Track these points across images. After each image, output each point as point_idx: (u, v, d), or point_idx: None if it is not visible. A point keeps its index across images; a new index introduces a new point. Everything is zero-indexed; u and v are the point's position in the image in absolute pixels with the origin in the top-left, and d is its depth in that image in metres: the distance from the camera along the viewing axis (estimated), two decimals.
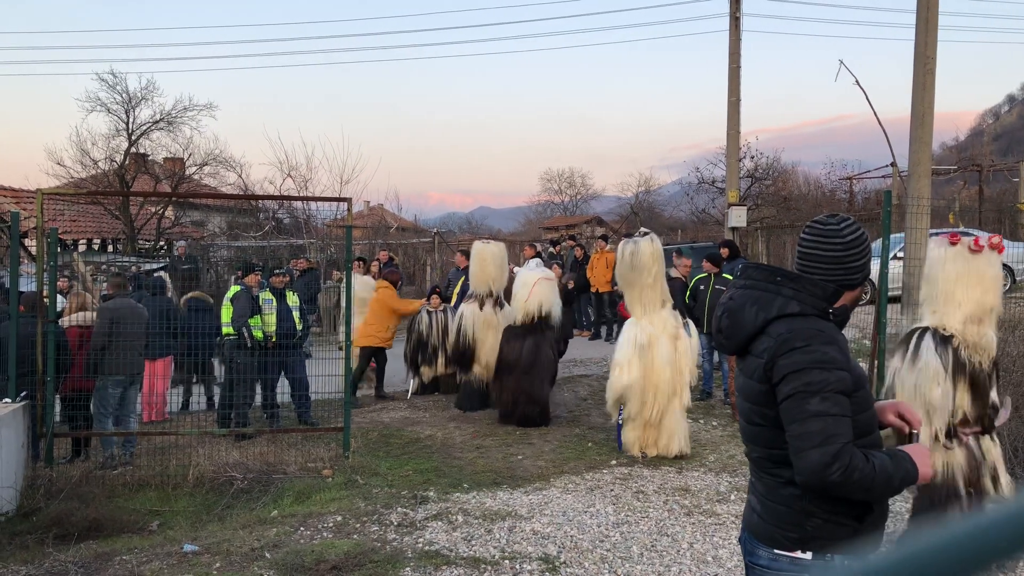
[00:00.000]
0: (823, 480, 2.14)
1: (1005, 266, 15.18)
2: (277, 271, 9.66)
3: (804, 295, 2.30)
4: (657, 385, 7.44)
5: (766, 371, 2.28)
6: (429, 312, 10.70)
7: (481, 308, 9.74)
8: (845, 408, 2.18)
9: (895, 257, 11.44)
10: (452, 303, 11.28)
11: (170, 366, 9.93)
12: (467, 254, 11.11)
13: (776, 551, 2.33)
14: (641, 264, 7.52)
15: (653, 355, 7.45)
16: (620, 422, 7.65)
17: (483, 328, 9.68)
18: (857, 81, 18.82)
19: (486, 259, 9.81)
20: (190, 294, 10.53)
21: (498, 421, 9.09)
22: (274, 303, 9.15)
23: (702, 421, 8.98)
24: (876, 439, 2.37)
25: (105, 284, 8.73)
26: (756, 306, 2.33)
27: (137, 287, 9.64)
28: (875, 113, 18.42)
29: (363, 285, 11.29)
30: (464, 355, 9.73)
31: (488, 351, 9.65)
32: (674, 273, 10.09)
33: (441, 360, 10.63)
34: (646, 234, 7.88)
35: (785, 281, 2.33)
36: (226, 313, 8.89)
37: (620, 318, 11.06)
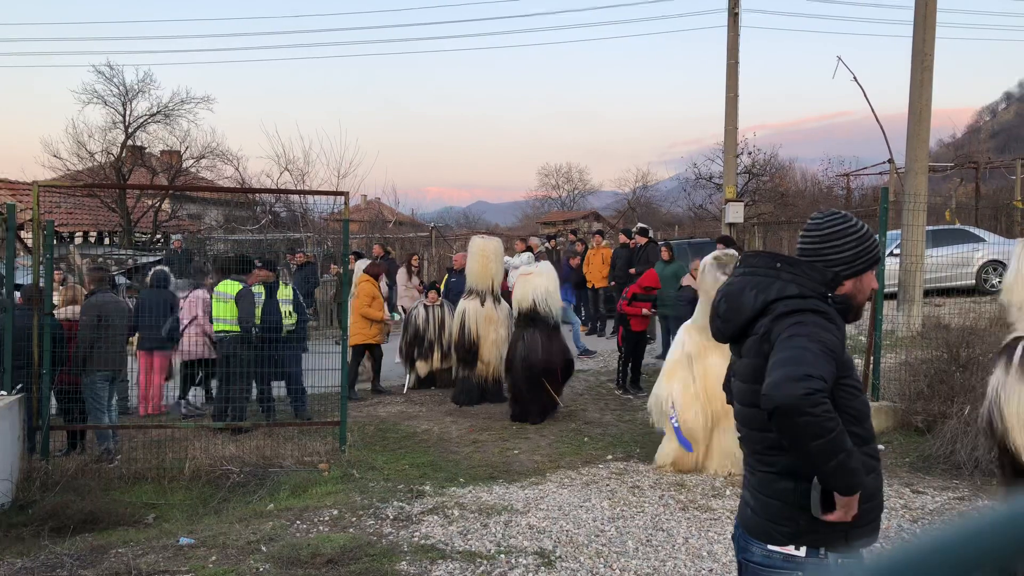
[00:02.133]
0: (785, 394, 2.09)
1: (1001, 264, 15.20)
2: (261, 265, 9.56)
3: (803, 279, 2.36)
4: (709, 399, 6.67)
5: (762, 344, 2.33)
6: (426, 307, 10.67)
7: (483, 304, 9.67)
8: (829, 358, 2.18)
9: (891, 254, 11.46)
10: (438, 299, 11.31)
11: (167, 360, 9.88)
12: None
13: (770, 547, 2.34)
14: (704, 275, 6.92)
15: (705, 367, 6.73)
16: (677, 424, 6.96)
17: (485, 324, 9.62)
18: (855, 78, 18.81)
19: (486, 254, 9.72)
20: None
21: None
22: (263, 297, 9.10)
23: None
24: (870, 430, 2.38)
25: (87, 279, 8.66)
26: (756, 290, 2.38)
27: (114, 283, 9.57)
28: (872, 110, 18.43)
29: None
30: (468, 351, 9.65)
31: (490, 347, 9.59)
32: (687, 281, 9.77)
33: (437, 355, 10.58)
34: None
35: (785, 266, 2.39)
36: (225, 310, 8.78)
37: (617, 315, 10.90)
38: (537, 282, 8.85)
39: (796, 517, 2.29)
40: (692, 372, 6.79)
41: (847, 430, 2.29)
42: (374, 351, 10.74)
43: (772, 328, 2.30)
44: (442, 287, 11.56)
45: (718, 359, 6.62)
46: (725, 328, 2.51)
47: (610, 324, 14.38)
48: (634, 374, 10.22)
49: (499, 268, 9.86)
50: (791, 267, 2.39)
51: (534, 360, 8.67)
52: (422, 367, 10.70)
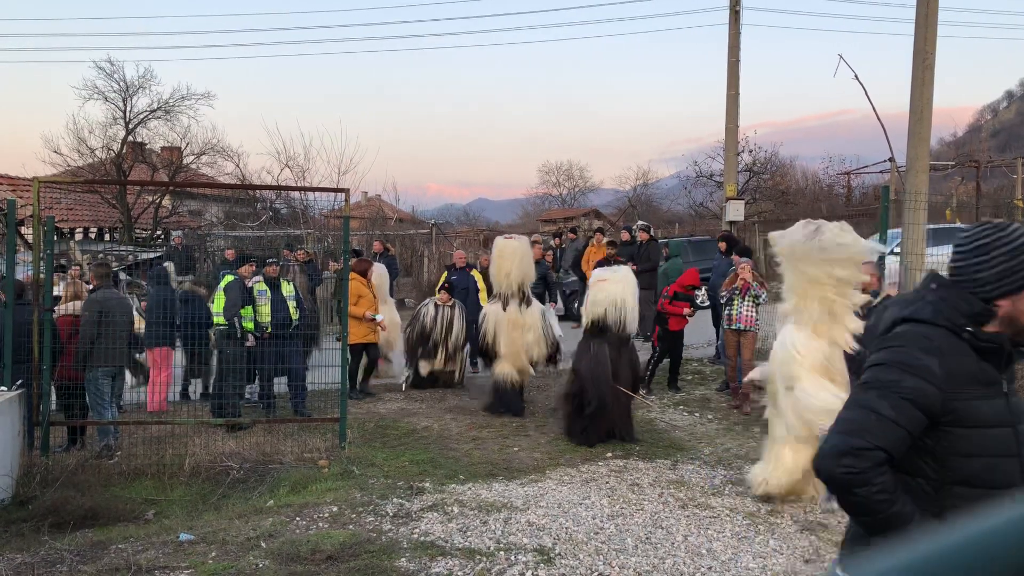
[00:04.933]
0: (828, 470, 1.97)
1: None
2: (270, 261, 9.56)
3: (944, 305, 2.08)
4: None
5: (863, 366, 2.16)
6: (436, 306, 10.45)
7: (505, 308, 9.06)
8: (905, 418, 1.96)
9: (892, 252, 11.45)
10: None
11: (169, 355, 9.86)
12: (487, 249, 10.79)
13: (838, 571, 2.13)
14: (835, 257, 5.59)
15: (833, 373, 5.76)
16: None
17: (509, 329, 9.00)
18: (856, 76, 18.80)
19: (503, 255, 9.11)
20: (183, 286, 10.44)
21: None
22: (268, 294, 9.11)
23: (697, 414, 9.00)
24: (991, 479, 2.00)
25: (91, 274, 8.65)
26: (897, 307, 2.19)
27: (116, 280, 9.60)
28: (873, 108, 18.42)
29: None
30: (486, 356, 9.27)
31: (516, 352, 9.03)
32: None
33: (441, 355, 10.34)
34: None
35: (938, 288, 2.15)
36: (218, 303, 8.83)
37: (655, 313, 10.59)
38: (611, 289, 7.89)
39: (872, 544, 2.11)
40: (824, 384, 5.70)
41: (949, 488, 2.03)
42: (370, 351, 10.38)
43: (872, 353, 2.12)
44: (439, 285, 11.44)
45: (842, 366, 5.78)
46: (869, 343, 2.33)
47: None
48: (672, 375, 10.14)
49: (522, 269, 9.12)
50: (942, 289, 2.12)
51: (602, 375, 7.68)
52: (424, 366, 10.47)
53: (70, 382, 8.01)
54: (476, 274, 11.40)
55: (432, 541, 5.19)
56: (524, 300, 9.13)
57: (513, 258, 9.11)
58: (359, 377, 10.46)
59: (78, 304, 8.34)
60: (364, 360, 10.49)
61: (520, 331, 9.05)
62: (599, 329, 7.87)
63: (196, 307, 9.43)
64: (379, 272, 11.39)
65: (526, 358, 9.14)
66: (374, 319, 10.13)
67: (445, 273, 11.67)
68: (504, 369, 9.09)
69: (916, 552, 0.72)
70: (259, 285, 9.13)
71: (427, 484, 6.48)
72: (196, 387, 10.54)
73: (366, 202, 33.37)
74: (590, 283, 8.28)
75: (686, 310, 9.76)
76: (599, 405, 7.61)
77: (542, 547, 5.11)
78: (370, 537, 5.24)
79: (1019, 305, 2.03)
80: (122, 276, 13.76)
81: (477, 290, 11.10)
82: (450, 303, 10.48)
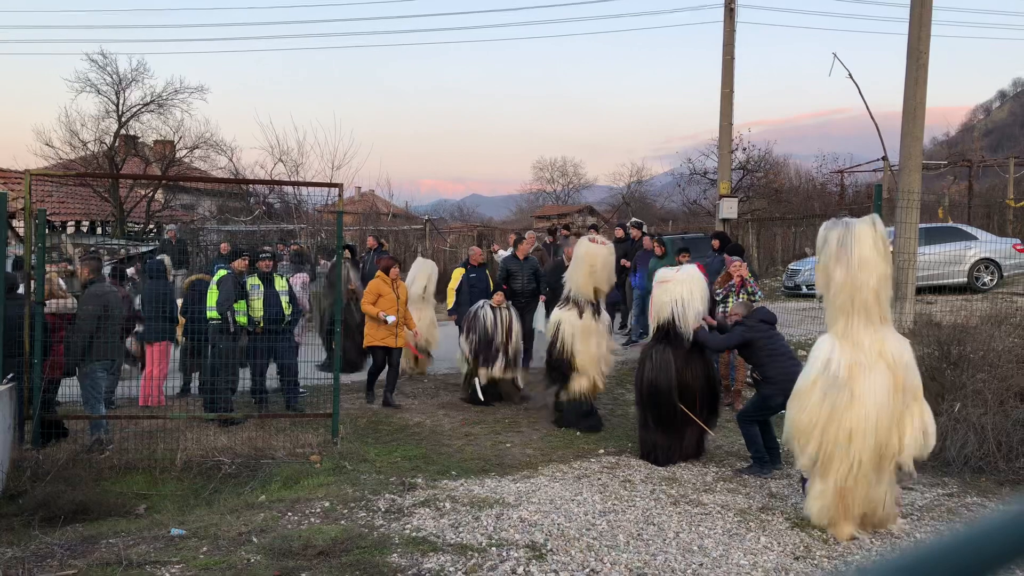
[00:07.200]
0: None
1: (992, 262, 15.26)
2: (263, 255, 9.48)
3: None
4: (862, 435, 5.27)
5: None
6: (493, 308, 9.85)
7: (581, 316, 8.50)
8: None
9: None
10: (451, 302, 10.96)
11: (168, 350, 9.80)
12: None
13: None
14: (858, 257, 5.42)
15: (855, 391, 5.30)
16: (805, 475, 5.78)
17: (583, 337, 8.47)
18: (850, 74, 18.83)
19: (595, 262, 8.48)
20: (192, 276, 10.30)
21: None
22: (261, 288, 9.08)
23: None
24: None
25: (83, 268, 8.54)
26: None
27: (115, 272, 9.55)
28: (867, 107, 18.46)
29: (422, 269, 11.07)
30: (562, 367, 8.50)
31: (590, 361, 8.51)
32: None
33: (501, 362, 9.76)
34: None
35: None
36: (211, 297, 8.79)
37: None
38: (676, 290, 7.35)
39: None
40: (830, 400, 5.37)
41: None
42: (391, 356, 9.68)
43: None
44: (454, 284, 10.99)
45: (882, 378, 5.32)
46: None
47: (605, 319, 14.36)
48: None
49: (606, 278, 8.65)
50: None
51: (662, 383, 7.18)
52: (483, 374, 9.75)
53: (50, 378, 7.88)
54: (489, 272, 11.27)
55: (424, 537, 5.19)
56: (596, 309, 8.62)
57: (606, 266, 8.56)
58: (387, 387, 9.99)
59: (57, 303, 8.13)
60: (368, 362, 10.12)
61: (595, 339, 8.53)
62: (665, 334, 7.34)
63: (200, 299, 9.36)
64: (430, 268, 11.27)
65: (600, 367, 8.64)
66: (387, 320, 9.49)
67: (462, 270, 11.18)
68: (581, 384, 8.51)
69: (913, 553, 0.72)
70: (252, 279, 9.10)
71: (419, 480, 6.48)
72: (194, 381, 10.49)
73: (360, 197, 33.34)
74: (654, 284, 7.76)
75: None
76: (662, 419, 7.19)
77: (534, 543, 5.12)
78: (362, 532, 5.24)
79: None
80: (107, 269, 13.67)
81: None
82: (504, 305, 9.93)
